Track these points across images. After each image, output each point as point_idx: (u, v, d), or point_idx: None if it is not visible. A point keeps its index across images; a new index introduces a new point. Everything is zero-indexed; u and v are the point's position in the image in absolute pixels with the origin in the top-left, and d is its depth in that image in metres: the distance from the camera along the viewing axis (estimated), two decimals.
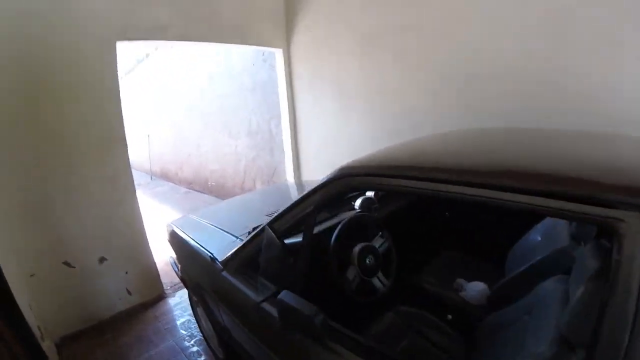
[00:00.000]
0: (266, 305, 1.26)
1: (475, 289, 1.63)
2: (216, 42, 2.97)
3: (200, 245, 1.77)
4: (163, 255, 2.74)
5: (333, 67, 3.08)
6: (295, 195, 2.40)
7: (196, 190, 6.11)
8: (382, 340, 1.38)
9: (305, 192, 1.23)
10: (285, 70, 3.54)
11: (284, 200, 2.57)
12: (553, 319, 1.00)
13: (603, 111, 1.80)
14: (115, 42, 2.36)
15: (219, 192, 5.60)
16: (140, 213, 2.64)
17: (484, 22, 2.13)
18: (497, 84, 2.15)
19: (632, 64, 1.69)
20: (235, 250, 1.51)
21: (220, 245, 1.70)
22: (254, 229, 1.63)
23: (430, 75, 2.45)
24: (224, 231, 1.87)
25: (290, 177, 3.99)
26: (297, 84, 3.54)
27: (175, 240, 2.07)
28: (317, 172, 3.56)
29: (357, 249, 1.52)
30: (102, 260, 2.47)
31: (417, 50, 2.48)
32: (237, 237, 1.75)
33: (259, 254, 1.35)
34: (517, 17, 1.99)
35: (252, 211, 2.24)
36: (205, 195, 5.79)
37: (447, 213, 2.21)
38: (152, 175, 7.94)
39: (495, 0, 2.05)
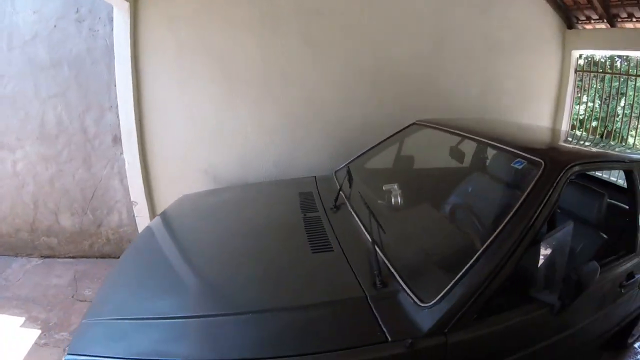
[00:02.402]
0: None
1: None
2: None
3: None
4: None
5: (218, 41, 2.46)
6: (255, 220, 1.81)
7: None
8: None
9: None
10: (129, 35, 2.48)
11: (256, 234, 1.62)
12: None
13: (458, 103, 2.62)
14: None
15: None
16: None
17: (393, 25, 2.49)
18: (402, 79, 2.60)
19: (477, 73, 2.61)
20: None
21: None
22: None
23: (340, 63, 2.50)
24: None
25: (137, 198, 2.80)
26: (150, 59, 2.55)
27: None
28: (183, 186, 2.50)
29: None
30: None
31: (328, 38, 2.47)
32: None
33: None
34: (415, 26, 2.53)
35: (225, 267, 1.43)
36: None
37: None
38: None
39: (400, 10, 2.50)
